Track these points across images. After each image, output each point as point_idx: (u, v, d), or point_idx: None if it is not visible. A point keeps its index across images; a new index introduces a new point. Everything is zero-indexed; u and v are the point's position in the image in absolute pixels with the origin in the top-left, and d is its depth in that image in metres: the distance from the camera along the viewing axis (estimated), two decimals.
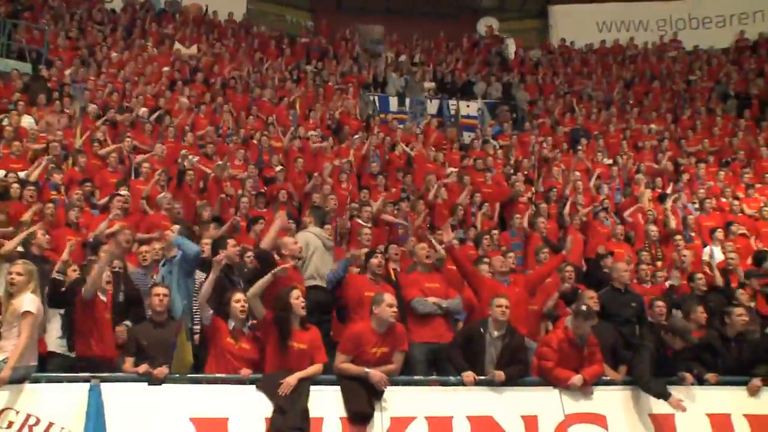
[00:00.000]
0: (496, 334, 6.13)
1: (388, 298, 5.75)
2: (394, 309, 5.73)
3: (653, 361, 6.11)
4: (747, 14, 22.24)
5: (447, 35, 21.43)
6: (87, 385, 5.17)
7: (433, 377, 6.29)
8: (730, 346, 6.49)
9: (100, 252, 6.50)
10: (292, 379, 5.36)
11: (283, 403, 5.29)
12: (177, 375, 5.53)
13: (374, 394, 5.55)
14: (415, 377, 6.20)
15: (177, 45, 16.51)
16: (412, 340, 6.33)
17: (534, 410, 5.96)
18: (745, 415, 6.12)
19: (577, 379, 5.92)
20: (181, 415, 5.28)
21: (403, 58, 19.19)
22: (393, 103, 16.92)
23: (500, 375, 5.89)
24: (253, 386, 5.46)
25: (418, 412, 5.73)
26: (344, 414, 5.50)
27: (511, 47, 20.60)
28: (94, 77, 13.84)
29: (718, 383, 6.28)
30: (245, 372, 5.52)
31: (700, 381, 6.25)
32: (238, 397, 5.43)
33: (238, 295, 5.73)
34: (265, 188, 10.69)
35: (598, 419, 5.99)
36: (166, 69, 14.99)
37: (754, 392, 6.23)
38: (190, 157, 10.62)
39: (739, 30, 21.80)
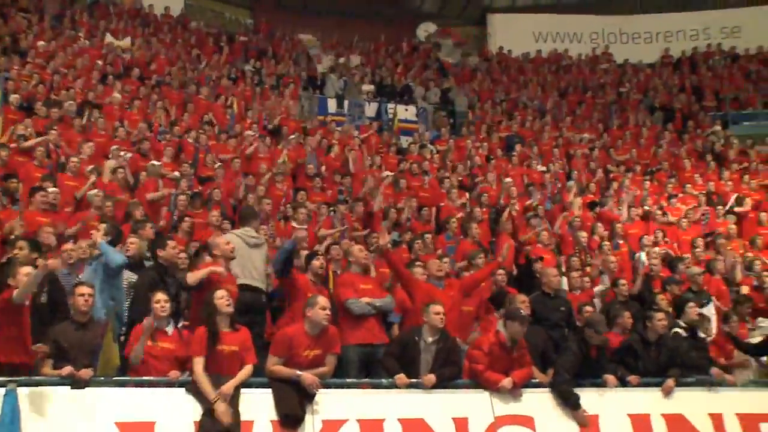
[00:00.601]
0: (430, 339, 6.19)
1: (322, 300, 5.74)
2: (327, 312, 5.72)
3: (578, 363, 6.30)
4: (671, 33, 23.32)
5: (387, 39, 21.55)
6: (2, 390, 4.95)
7: (366, 380, 6.29)
8: (650, 350, 6.72)
9: (41, 261, 6.19)
10: (227, 388, 5.26)
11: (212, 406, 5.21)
12: (102, 378, 5.39)
13: (306, 396, 5.54)
14: (348, 380, 6.19)
15: (109, 38, 16.01)
16: (346, 341, 6.33)
17: (464, 412, 6.04)
18: (663, 415, 6.35)
19: (507, 382, 6.03)
20: (106, 420, 5.14)
21: (342, 60, 19.18)
22: (331, 104, 16.89)
23: (430, 379, 5.95)
24: (182, 389, 5.36)
25: (350, 415, 5.74)
26: (275, 417, 5.46)
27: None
28: (18, 67, 13.29)
29: (638, 385, 6.51)
30: (174, 374, 5.42)
31: (623, 383, 6.46)
32: (166, 400, 5.33)
33: (159, 295, 5.65)
34: (200, 188, 10.52)
35: (527, 421, 6.12)
36: (98, 62, 14.55)
37: (667, 393, 6.47)
38: (123, 153, 10.35)
39: (665, 47, 22.79)
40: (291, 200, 10.52)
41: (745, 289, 9.59)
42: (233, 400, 5.29)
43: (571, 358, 6.31)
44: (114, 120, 12.01)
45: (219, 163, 11.10)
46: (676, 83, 20.17)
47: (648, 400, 6.46)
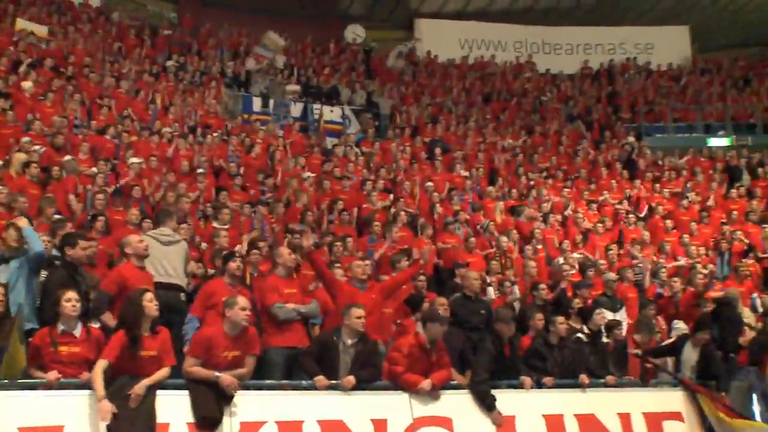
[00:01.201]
0: (349, 342, 6.19)
1: (242, 301, 5.66)
2: (248, 312, 5.64)
3: (493, 361, 6.43)
4: (591, 45, 24.29)
5: (314, 39, 21.46)
6: None
7: (285, 381, 6.24)
8: (553, 352, 6.95)
9: None
10: (139, 389, 5.09)
11: (127, 409, 5.05)
12: (6, 381, 5.14)
13: (224, 398, 5.43)
14: (267, 381, 6.12)
15: (21, 23, 15.20)
16: (271, 344, 6.28)
17: (384, 414, 6.06)
18: (575, 415, 6.56)
19: (426, 384, 6.08)
20: (8, 426, 4.88)
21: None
22: (256, 103, 16.67)
23: (350, 380, 5.95)
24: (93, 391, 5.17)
25: (269, 417, 5.66)
26: (192, 419, 5.34)
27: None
28: None
29: (553, 386, 6.70)
30: (85, 376, 5.21)
31: (538, 384, 6.64)
32: (76, 404, 5.11)
33: (69, 294, 5.36)
34: (118, 184, 10.19)
35: (445, 422, 6.18)
36: (9, 49, 13.86)
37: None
38: (37, 147, 9.92)
39: (584, 59, 23.66)
40: (211, 199, 10.34)
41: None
42: (148, 402, 5.14)
43: (486, 357, 6.44)
44: (26, 111, 11.49)
45: (138, 160, 10.78)
46: (595, 94, 20.90)
47: (561, 401, 6.66)
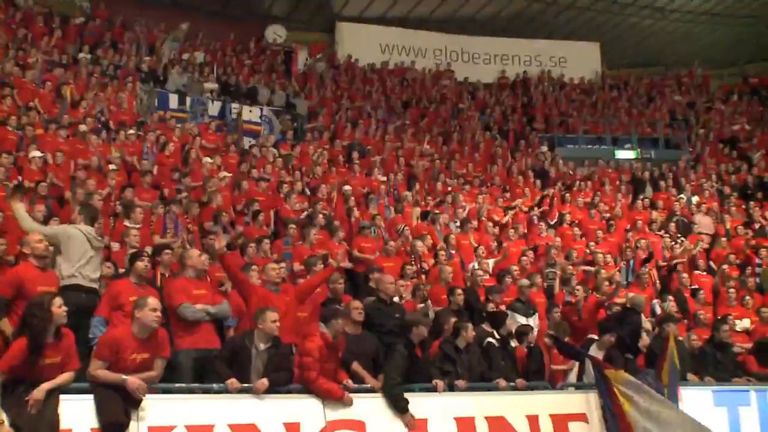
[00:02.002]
0: (263, 346, 6.15)
1: (152, 302, 5.50)
2: (158, 314, 5.49)
3: (406, 364, 6.51)
4: (508, 56, 24.97)
5: (234, 37, 21.11)
6: None
7: (196, 385, 6.10)
8: (461, 356, 7.11)
9: None
10: (38, 393, 4.88)
11: (27, 415, 4.81)
12: None
13: (131, 402, 5.27)
14: (177, 385, 5.97)
15: None
16: (179, 346, 6.12)
17: (296, 418, 6.04)
18: (486, 417, 6.72)
19: (347, 398, 6.11)
20: None
21: (186, 55, 18.49)
22: (173, 100, 16.23)
23: (263, 383, 5.88)
24: None
25: (179, 421, 5.55)
26: (96, 424, 5.15)
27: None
28: None
29: (465, 389, 6.83)
30: None
31: (451, 387, 6.75)
32: None
33: None
34: (20, 179, 9.72)
35: (358, 425, 6.22)
36: None
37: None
38: None
39: (501, 69, 24.30)
40: (119, 197, 10.02)
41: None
42: (50, 408, 4.92)
43: (399, 361, 6.51)
44: None
45: (39, 154, 10.31)
46: (510, 104, 21.47)
47: (473, 403, 6.80)
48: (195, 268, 6.77)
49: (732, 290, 11.20)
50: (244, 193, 11.49)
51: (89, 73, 15.04)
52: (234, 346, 6.25)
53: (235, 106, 16.75)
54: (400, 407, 6.33)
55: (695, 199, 15.65)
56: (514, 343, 8.07)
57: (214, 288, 6.96)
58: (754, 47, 25.65)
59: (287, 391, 6.12)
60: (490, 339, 7.76)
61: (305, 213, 11.17)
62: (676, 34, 25.41)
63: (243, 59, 19.76)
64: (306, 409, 6.10)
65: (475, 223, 12.60)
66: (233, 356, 6.11)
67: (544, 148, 18.53)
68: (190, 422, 5.59)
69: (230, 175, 12.11)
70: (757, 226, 14.30)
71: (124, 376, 5.24)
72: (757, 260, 12.76)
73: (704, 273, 12.25)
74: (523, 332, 8.16)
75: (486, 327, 8.08)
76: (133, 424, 5.28)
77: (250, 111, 16.89)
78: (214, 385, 5.94)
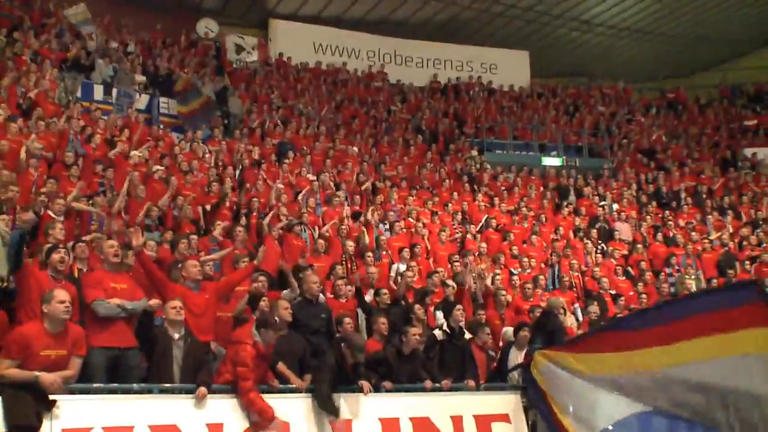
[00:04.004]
0: (177, 336, 6.13)
1: (60, 294, 5.27)
2: (67, 305, 5.27)
3: (334, 374, 6.51)
4: (440, 60, 25.32)
5: (164, 30, 20.59)
6: None
7: (115, 385, 5.91)
8: (404, 362, 7.15)
9: None
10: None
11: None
12: None
13: (43, 403, 5.04)
14: (94, 385, 5.77)
15: None
16: (92, 344, 5.87)
17: (220, 418, 5.96)
18: (411, 418, 6.76)
19: (277, 425, 6.01)
20: None
21: (114, 44, 17.90)
22: (98, 91, 15.68)
23: (202, 391, 5.82)
24: None
25: (96, 423, 5.39)
26: (3, 428, 4.92)
27: None
28: None
29: (390, 390, 6.86)
30: None
31: (377, 389, 6.77)
32: None
33: None
34: None
35: (283, 426, 6.16)
36: None
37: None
38: None
39: (434, 73, 24.59)
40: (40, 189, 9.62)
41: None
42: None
43: (328, 375, 6.52)
44: None
45: None
46: (441, 108, 21.73)
47: (398, 404, 6.83)
48: (108, 261, 6.55)
49: (644, 296, 11.64)
50: (171, 188, 11.21)
51: (6, 57, 14.33)
52: (155, 336, 6.23)
53: (163, 99, 16.33)
54: (331, 413, 6.37)
55: (616, 206, 16.22)
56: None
57: (136, 282, 6.70)
58: (672, 63, 26.89)
59: (210, 391, 6.00)
60: (435, 332, 7.84)
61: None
62: (601, 47, 26.33)
63: (173, 52, 19.28)
64: (230, 409, 6.02)
65: (404, 224, 12.69)
66: (155, 346, 6.05)
67: (474, 153, 18.83)
68: (108, 424, 5.43)
69: (163, 168, 11.81)
70: (671, 234, 14.92)
71: (36, 373, 5.02)
72: (668, 269, 13.33)
73: (623, 278, 12.69)
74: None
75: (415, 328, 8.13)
76: (45, 426, 5.08)
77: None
78: (134, 386, 5.79)
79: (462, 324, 8.35)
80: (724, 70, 26.80)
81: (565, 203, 16.19)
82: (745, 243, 14.58)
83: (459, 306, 8.50)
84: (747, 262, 13.62)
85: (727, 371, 5.39)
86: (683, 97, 25.43)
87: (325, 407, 6.33)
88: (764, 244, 14.72)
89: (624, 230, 14.92)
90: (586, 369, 6.48)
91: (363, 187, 14.21)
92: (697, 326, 5.61)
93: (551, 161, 19.97)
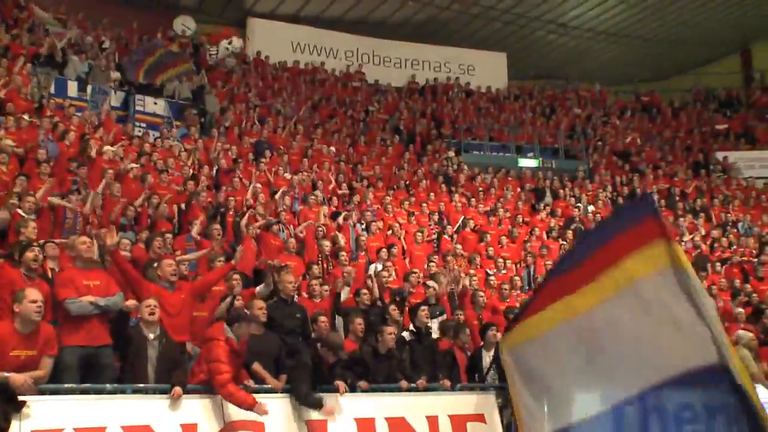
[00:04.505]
0: (151, 336, 6.05)
1: (31, 293, 5.21)
2: (39, 305, 5.21)
3: (311, 373, 6.50)
4: (418, 61, 25.38)
5: (140, 26, 20.36)
6: None
7: (87, 385, 5.82)
8: (380, 361, 7.15)
9: None
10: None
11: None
12: None
13: (12, 404, 4.96)
14: (66, 385, 5.68)
15: None
16: (63, 343, 5.80)
17: (194, 419, 5.90)
18: (386, 418, 6.76)
19: (260, 407, 5.96)
20: None
21: (89, 40, 17.65)
22: (72, 87, 15.46)
23: (178, 391, 5.75)
24: None
25: (67, 424, 5.31)
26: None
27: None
28: None
29: (366, 390, 6.85)
30: None
31: (352, 389, 6.75)
32: None
33: None
34: None
35: (257, 427, 6.13)
36: None
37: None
38: None
39: (412, 74, 24.64)
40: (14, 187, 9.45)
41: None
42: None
43: (304, 375, 6.49)
44: None
45: None
46: (419, 108, 21.77)
47: (374, 404, 6.83)
48: (81, 258, 6.45)
49: None
50: (147, 187, 11.11)
51: None
52: (128, 336, 6.15)
53: (139, 97, 16.15)
54: (314, 405, 6.35)
55: (591, 208, 16.37)
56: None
57: (111, 279, 6.60)
58: (646, 67, 27.18)
59: (185, 391, 5.95)
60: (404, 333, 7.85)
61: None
62: (578, 50, 26.56)
63: None
64: (204, 409, 5.97)
65: (381, 224, 12.69)
66: (129, 346, 5.99)
67: (451, 154, 18.89)
68: (80, 425, 5.35)
69: (137, 165, 11.69)
70: None
71: (5, 374, 4.94)
72: None
73: None
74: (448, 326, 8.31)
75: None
76: (15, 427, 4.99)
77: (155, 103, 16.33)
78: (107, 386, 5.72)
79: (428, 324, 8.34)
80: (698, 74, 27.19)
81: (541, 204, 16.30)
82: (716, 245, 14.80)
83: (424, 307, 8.49)
84: (718, 264, 13.81)
85: (635, 299, 5.32)
86: (657, 100, 25.76)
87: (307, 402, 6.31)
88: (734, 246, 14.95)
89: None
90: (537, 331, 6.16)
91: (340, 192, 14.20)
92: (609, 255, 5.51)
93: (527, 163, 20.10)
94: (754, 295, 12.41)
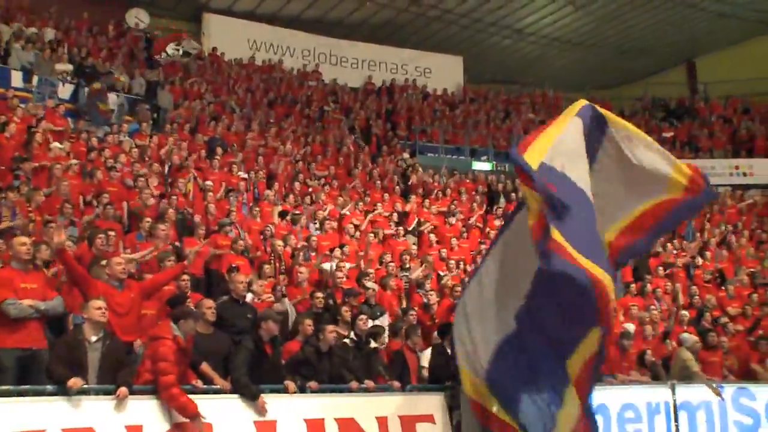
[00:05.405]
0: (94, 338, 5.85)
1: None
2: None
3: (254, 359, 6.44)
4: (375, 62, 25.42)
5: (91, 17, 19.87)
6: None
7: (26, 387, 5.64)
8: (323, 360, 7.11)
9: None
10: None
11: None
12: None
13: None
14: (3, 387, 5.51)
15: None
16: (1, 345, 5.67)
17: (140, 420, 5.77)
18: (336, 419, 6.73)
19: (199, 423, 5.84)
20: None
21: (34, 30, 17.10)
22: (16, 78, 14.97)
23: (123, 391, 5.61)
24: None
25: (5, 428, 5.13)
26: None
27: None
28: None
29: (315, 391, 6.81)
30: None
31: (302, 390, 6.71)
32: None
33: None
34: None
35: (205, 427, 6.01)
36: None
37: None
38: None
39: (368, 74, 24.65)
40: None
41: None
42: None
43: (246, 354, 6.44)
44: None
45: None
46: (375, 109, 21.79)
47: (323, 405, 6.79)
48: (19, 258, 6.27)
49: None
50: (95, 183, 10.84)
51: None
52: (67, 343, 5.89)
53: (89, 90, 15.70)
54: (250, 394, 6.25)
55: None
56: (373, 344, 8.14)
57: (48, 281, 6.45)
58: (598, 75, 27.77)
59: (131, 392, 5.81)
60: (346, 340, 7.80)
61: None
62: (533, 56, 26.98)
63: (100, 41, 18.62)
64: (150, 410, 5.83)
65: (335, 224, 12.65)
66: (69, 353, 5.75)
67: (406, 155, 18.95)
68: (18, 428, 5.18)
69: (77, 162, 11.38)
70: None
71: None
72: None
73: None
74: (376, 333, 8.26)
75: (341, 329, 8.11)
76: None
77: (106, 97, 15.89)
78: (48, 387, 5.55)
79: (366, 331, 8.29)
80: (647, 84, 27.89)
81: (494, 207, 16.47)
82: (660, 250, 15.15)
83: (362, 316, 8.47)
84: (660, 268, 14.12)
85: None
86: (608, 107, 26.13)
87: (243, 390, 6.25)
88: (677, 251, 15.34)
89: None
90: None
91: (293, 187, 14.10)
92: None
93: (481, 166, 20.29)
94: (696, 297, 12.77)
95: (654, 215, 5.85)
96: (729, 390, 9.50)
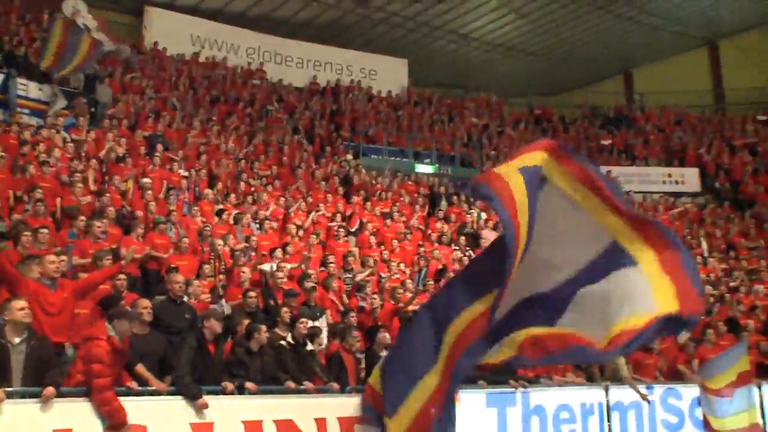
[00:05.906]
0: (17, 340, 5.66)
1: None
2: None
3: (196, 357, 6.38)
4: (320, 62, 25.40)
5: (23, 5, 19.14)
6: None
7: None
8: (254, 359, 7.06)
9: None
10: None
11: None
12: None
13: None
14: None
15: None
16: None
17: (69, 423, 5.61)
18: (274, 421, 6.67)
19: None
20: None
21: None
22: None
23: (50, 391, 5.42)
24: None
25: None
26: None
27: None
28: None
29: (253, 392, 6.75)
30: None
31: (240, 390, 6.64)
32: None
33: None
34: None
35: (140, 430, 5.91)
36: None
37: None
38: None
39: (313, 74, 24.59)
40: None
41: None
42: None
43: (189, 353, 6.37)
44: None
45: None
46: (319, 110, 21.71)
47: (261, 406, 6.73)
48: None
49: None
50: (26, 178, 10.47)
51: None
52: None
53: (21, 81, 15.17)
54: (191, 394, 6.16)
55: (484, 215, 16.83)
56: (310, 346, 8.10)
57: None
58: (541, 81, 28.39)
59: (59, 394, 5.64)
60: (282, 341, 7.73)
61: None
62: (477, 61, 27.36)
63: (33, 30, 17.96)
64: (80, 413, 5.67)
65: (275, 224, 12.54)
66: None
67: (349, 156, 18.95)
68: None
69: (7, 156, 10.97)
70: None
71: None
72: None
73: None
74: (313, 335, 8.22)
75: (281, 330, 8.04)
76: None
77: (40, 89, 15.36)
78: None
79: (306, 335, 8.24)
80: (587, 91, 28.65)
81: (436, 209, 16.61)
82: None
83: (303, 320, 8.41)
84: None
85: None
86: (549, 113, 26.87)
87: (185, 388, 6.14)
88: None
89: (490, 238, 15.40)
90: None
91: (235, 186, 13.91)
92: None
93: (424, 168, 20.45)
94: None
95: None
96: (658, 390, 9.83)
